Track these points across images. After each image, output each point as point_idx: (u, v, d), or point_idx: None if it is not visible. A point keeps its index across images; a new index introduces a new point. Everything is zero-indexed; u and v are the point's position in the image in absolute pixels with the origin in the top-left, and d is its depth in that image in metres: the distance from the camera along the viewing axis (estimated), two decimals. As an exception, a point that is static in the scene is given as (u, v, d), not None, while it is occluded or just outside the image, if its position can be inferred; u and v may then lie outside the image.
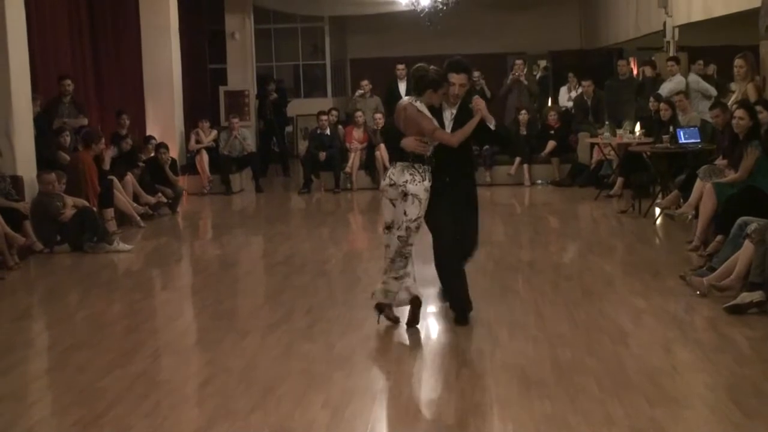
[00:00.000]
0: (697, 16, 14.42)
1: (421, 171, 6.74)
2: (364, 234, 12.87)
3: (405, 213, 6.77)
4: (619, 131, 13.91)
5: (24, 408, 5.58)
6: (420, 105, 6.80)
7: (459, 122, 6.95)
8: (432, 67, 6.97)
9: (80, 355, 6.60)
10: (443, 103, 6.97)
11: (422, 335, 6.98)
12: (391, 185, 6.81)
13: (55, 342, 7.18)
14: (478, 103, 6.99)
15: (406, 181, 6.71)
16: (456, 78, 6.90)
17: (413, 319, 6.98)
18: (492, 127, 6.94)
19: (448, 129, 6.94)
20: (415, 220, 6.77)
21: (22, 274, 9.82)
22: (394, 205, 6.83)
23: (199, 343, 7.08)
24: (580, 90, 16.74)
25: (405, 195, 6.73)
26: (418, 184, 6.71)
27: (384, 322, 7.03)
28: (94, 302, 8.54)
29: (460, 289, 7.15)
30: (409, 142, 6.76)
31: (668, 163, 12.10)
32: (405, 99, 7.11)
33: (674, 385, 5.58)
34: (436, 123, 6.80)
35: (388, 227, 6.93)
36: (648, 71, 15.10)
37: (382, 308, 7.02)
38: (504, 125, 7.19)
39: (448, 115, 6.98)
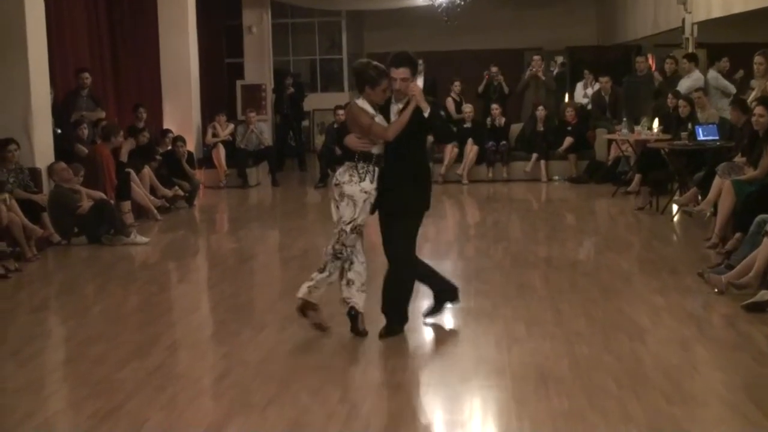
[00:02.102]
0: (717, 12, 14.35)
1: (361, 171, 6.46)
2: (378, 228, 12.84)
3: (341, 215, 6.54)
4: (637, 128, 13.85)
5: (41, 399, 5.59)
6: (362, 102, 6.53)
7: (412, 119, 6.47)
8: (373, 62, 6.66)
9: (97, 347, 6.61)
10: (392, 99, 6.56)
11: (439, 331, 6.97)
12: (335, 184, 6.58)
13: (72, 334, 7.20)
14: (413, 89, 6.45)
15: (345, 182, 6.48)
16: (396, 73, 6.42)
17: (355, 330, 6.66)
18: (426, 115, 6.38)
19: None
20: (350, 222, 6.48)
21: (40, 265, 9.85)
22: (337, 207, 6.57)
23: (215, 337, 7.08)
24: (597, 86, 16.69)
25: (342, 195, 6.49)
26: (354, 185, 6.44)
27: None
28: (111, 294, 8.56)
29: (385, 297, 6.80)
30: (350, 140, 6.53)
31: (686, 160, 12.04)
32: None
33: (692, 383, 5.55)
34: (374, 119, 6.46)
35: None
36: (668, 67, 15.02)
37: (305, 311, 6.66)
38: (441, 114, 6.73)
39: (395, 110, 6.53)
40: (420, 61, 17.31)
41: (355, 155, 6.50)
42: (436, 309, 7.08)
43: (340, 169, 6.57)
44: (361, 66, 6.66)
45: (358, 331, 6.62)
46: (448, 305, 7.16)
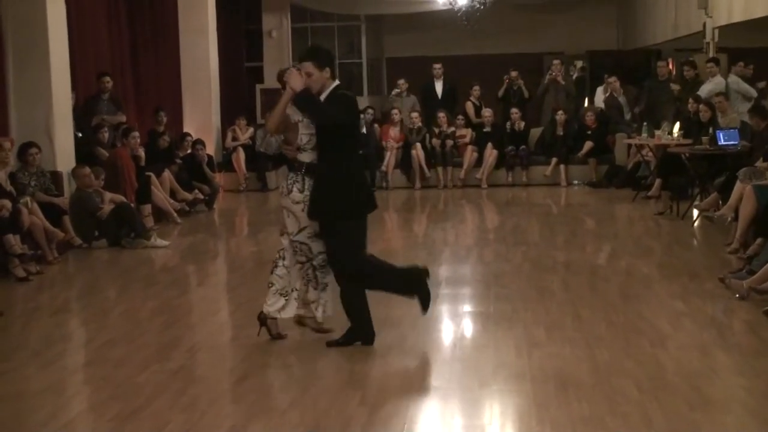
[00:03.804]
0: (738, 16, 14.29)
1: (290, 182, 6.36)
2: (399, 233, 12.85)
3: (285, 226, 6.47)
4: (658, 132, 13.81)
5: (63, 402, 5.62)
6: (289, 107, 6.30)
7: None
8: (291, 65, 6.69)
9: (118, 349, 6.64)
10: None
11: (458, 335, 6.98)
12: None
13: (93, 336, 7.23)
14: (288, 74, 6.22)
15: (281, 194, 6.47)
16: (300, 67, 6.23)
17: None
18: (296, 91, 6.11)
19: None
20: (299, 233, 6.37)
21: (61, 268, 9.90)
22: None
23: (235, 340, 7.09)
24: (609, 91, 16.66)
25: (282, 207, 6.47)
26: (285, 197, 6.38)
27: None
28: (131, 297, 8.60)
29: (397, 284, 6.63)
30: (282, 145, 6.55)
31: (707, 164, 11.99)
32: None
33: (713, 389, 5.52)
34: (300, 122, 6.25)
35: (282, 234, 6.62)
36: (687, 74, 14.97)
37: (264, 320, 6.61)
38: (309, 94, 6.14)
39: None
40: (438, 65, 17.39)
41: (289, 164, 6.43)
42: (342, 342, 6.48)
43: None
44: (280, 71, 6.82)
45: (271, 335, 6.61)
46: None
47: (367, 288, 6.46)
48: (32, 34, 11.01)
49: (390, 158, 16.47)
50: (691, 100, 13.47)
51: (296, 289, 6.58)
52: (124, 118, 13.30)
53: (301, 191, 6.31)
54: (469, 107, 17.37)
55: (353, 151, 6.51)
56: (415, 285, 6.56)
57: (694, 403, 5.19)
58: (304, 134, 6.31)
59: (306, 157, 6.33)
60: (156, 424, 5.05)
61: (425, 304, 6.58)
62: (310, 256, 6.42)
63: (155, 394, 5.57)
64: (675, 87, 15.02)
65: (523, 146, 16.46)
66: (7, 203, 9.32)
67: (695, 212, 11.79)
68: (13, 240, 9.17)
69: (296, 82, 6.14)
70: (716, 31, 15.42)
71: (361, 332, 6.47)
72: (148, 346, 6.71)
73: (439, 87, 17.51)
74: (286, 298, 6.57)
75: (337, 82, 6.35)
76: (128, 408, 5.32)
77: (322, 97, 6.23)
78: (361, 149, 16.10)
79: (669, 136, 13.63)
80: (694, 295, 7.83)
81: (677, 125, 13.79)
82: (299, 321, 6.69)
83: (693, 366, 5.93)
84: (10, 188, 9.87)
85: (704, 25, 15.66)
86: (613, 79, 16.27)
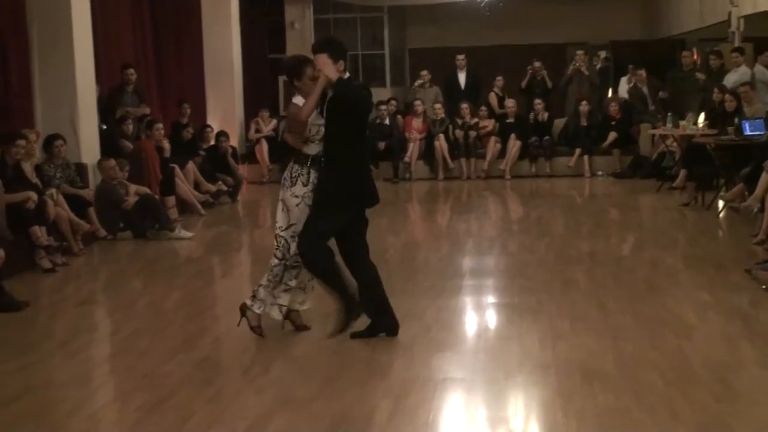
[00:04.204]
0: (764, 5, 14.17)
1: (294, 174, 6.23)
2: (422, 224, 12.86)
3: (277, 219, 6.37)
4: (682, 123, 13.72)
5: (88, 392, 5.65)
6: (296, 99, 6.24)
7: (330, 108, 6.13)
8: (297, 55, 6.54)
9: (143, 340, 6.67)
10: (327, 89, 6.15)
11: (482, 326, 6.97)
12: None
13: (119, 327, 7.27)
14: (318, 61, 6.10)
15: (281, 186, 6.33)
16: (315, 59, 6.14)
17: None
18: (333, 81, 6.05)
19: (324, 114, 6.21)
20: (286, 228, 6.27)
21: (86, 260, 9.96)
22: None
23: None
24: (633, 81, 16.57)
25: (280, 199, 6.33)
26: (286, 190, 6.25)
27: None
28: (156, 289, 8.65)
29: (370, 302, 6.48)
30: (285, 135, 6.43)
31: (732, 155, 11.91)
32: None
33: (740, 381, 5.48)
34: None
35: None
36: (713, 63, 14.86)
37: (244, 311, 6.49)
38: (349, 82, 6.18)
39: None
40: (462, 56, 17.35)
41: (293, 156, 6.31)
42: (366, 334, 6.44)
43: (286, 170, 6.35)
44: (284, 62, 6.61)
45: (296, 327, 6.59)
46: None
47: (316, 276, 6.37)
48: (56, 27, 11.06)
49: (413, 149, 16.45)
50: (716, 90, 13.38)
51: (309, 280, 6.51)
52: (148, 110, 13.35)
53: (305, 185, 6.21)
54: (493, 98, 17.33)
55: (362, 142, 6.44)
56: (381, 321, 6.47)
57: (720, 395, 5.16)
58: (314, 125, 6.20)
59: (312, 149, 6.24)
60: (181, 415, 5.07)
61: (367, 333, 6.43)
62: (286, 255, 6.31)
63: (180, 384, 5.59)
64: (700, 76, 14.91)
65: (547, 137, 16.41)
66: (33, 195, 9.37)
67: (721, 203, 11.72)
68: (39, 231, 9.22)
69: (331, 70, 6.06)
70: (741, 21, 15.31)
71: (383, 323, 6.46)
72: (173, 337, 6.73)
73: (462, 78, 17.48)
74: (305, 291, 6.56)
75: (347, 74, 6.26)
76: (153, 398, 5.34)
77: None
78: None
79: (694, 126, 13.55)
80: (719, 286, 7.78)
81: (702, 115, 13.70)
82: (287, 315, 6.61)
83: (719, 357, 5.90)
84: (35, 180, 9.93)
85: (729, 14, 15.55)
86: (641, 71, 16.16)
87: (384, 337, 6.45)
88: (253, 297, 6.44)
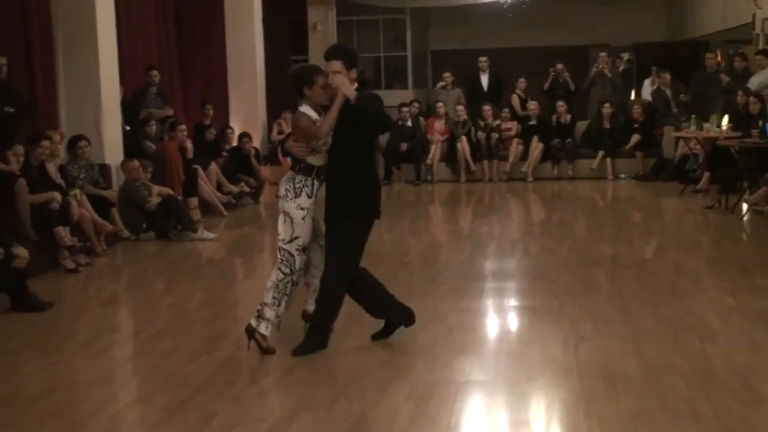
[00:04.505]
0: (789, 8, 14.09)
1: (298, 185, 6.08)
2: (444, 226, 12.85)
3: (278, 231, 6.19)
4: (706, 125, 13.65)
5: (111, 392, 5.69)
6: (304, 108, 6.14)
7: (345, 116, 5.99)
8: (306, 64, 6.45)
9: (166, 341, 6.70)
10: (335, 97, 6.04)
11: (504, 329, 6.96)
12: (276, 196, 6.34)
13: (142, 328, 7.30)
14: (335, 79, 5.97)
15: (282, 196, 6.14)
16: (328, 66, 6.03)
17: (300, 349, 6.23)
18: (352, 101, 5.92)
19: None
20: (290, 241, 6.10)
21: (110, 260, 10.02)
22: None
23: (281, 332, 7.08)
24: (657, 84, 16.50)
25: (280, 210, 6.16)
26: (290, 201, 6.08)
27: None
28: (178, 289, 8.68)
29: (379, 305, 6.50)
30: (290, 145, 6.17)
31: (757, 157, 11.84)
32: None
33: (764, 385, 5.44)
34: (316, 123, 6.06)
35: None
36: (737, 65, 14.78)
37: (253, 333, 6.23)
38: (373, 100, 6.10)
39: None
40: (484, 58, 17.34)
41: (297, 166, 6.15)
42: (385, 334, 6.49)
43: (282, 179, 6.22)
44: (292, 70, 6.42)
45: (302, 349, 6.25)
46: (401, 329, 6.52)
47: (351, 295, 6.35)
48: (81, 29, 11.15)
49: (435, 151, 16.44)
50: (740, 93, 13.30)
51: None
52: (171, 112, 13.42)
53: (310, 196, 6.10)
54: (515, 100, 17.30)
55: (372, 152, 6.44)
56: (395, 315, 6.50)
57: (744, 399, 5.13)
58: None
59: (317, 160, 6.11)
60: (204, 415, 5.09)
61: (385, 333, 6.48)
62: (293, 269, 6.16)
63: (203, 385, 5.61)
64: (725, 78, 14.82)
65: (569, 139, 16.37)
66: (57, 195, 9.44)
67: (744, 206, 11.65)
68: (63, 232, 9.28)
69: (349, 88, 5.98)
70: (766, 23, 15.20)
71: (397, 318, 6.47)
72: (195, 338, 6.75)
73: (485, 80, 17.47)
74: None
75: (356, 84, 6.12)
76: (176, 399, 5.36)
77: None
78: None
79: (718, 128, 13.48)
80: (743, 290, 7.74)
81: (726, 118, 13.62)
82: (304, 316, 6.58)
83: (743, 362, 5.86)
84: (60, 181, 9.99)
85: (754, 16, 15.45)
86: (665, 73, 16.09)
87: (405, 339, 6.45)
88: (258, 317, 6.20)
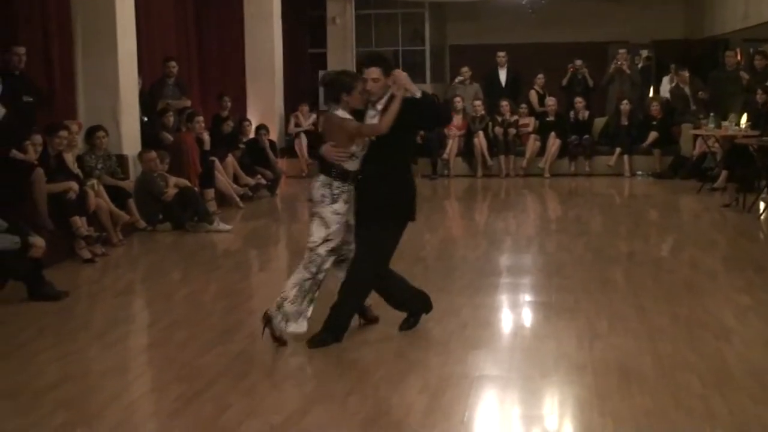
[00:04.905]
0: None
1: (336, 191, 6.12)
2: (460, 221, 12.83)
3: (310, 234, 6.22)
4: (725, 123, 13.59)
5: (126, 382, 5.71)
6: (342, 113, 6.14)
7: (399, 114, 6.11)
8: (343, 70, 6.45)
9: (181, 332, 6.71)
10: (368, 104, 6.19)
11: (519, 324, 6.95)
12: (308, 200, 6.38)
13: (157, 318, 7.32)
14: (398, 76, 6.08)
15: (317, 200, 6.16)
16: (367, 73, 6.13)
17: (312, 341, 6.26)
18: (418, 95, 6.06)
19: None
20: (321, 243, 6.15)
21: (126, 250, 10.04)
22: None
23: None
24: (675, 81, 16.43)
25: (314, 213, 6.20)
26: (326, 207, 6.12)
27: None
28: (194, 281, 8.69)
29: (402, 297, 6.59)
30: (326, 150, 6.17)
31: (775, 156, 11.79)
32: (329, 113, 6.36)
33: (779, 385, 5.43)
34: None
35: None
36: (758, 63, 14.69)
37: (270, 321, 6.24)
38: (428, 94, 6.24)
39: (372, 114, 6.16)
40: (503, 53, 17.30)
41: (332, 171, 6.15)
42: (411, 322, 6.61)
43: (315, 184, 6.22)
44: (332, 76, 6.41)
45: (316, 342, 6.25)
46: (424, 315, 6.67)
47: (361, 287, 6.38)
48: (100, 19, 11.16)
49: (452, 146, 16.43)
50: (759, 91, 13.24)
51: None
52: (188, 103, 13.42)
53: (347, 202, 6.16)
54: (533, 96, 17.26)
55: (410, 155, 6.57)
56: (414, 304, 6.61)
57: (759, 398, 5.11)
58: (361, 141, 6.14)
59: (353, 165, 6.16)
60: (218, 407, 5.10)
61: (409, 324, 6.58)
62: (320, 270, 6.21)
63: (217, 376, 5.62)
64: (744, 76, 14.75)
65: (587, 136, 16.32)
66: (74, 185, 9.47)
67: (762, 205, 11.60)
68: (80, 222, 9.32)
69: (412, 84, 6.08)
70: (787, 21, 15.13)
71: (419, 306, 6.58)
72: (211, 329, 6.76)
73: (503, 75, 17.43)
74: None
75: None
76: (191, 390, 5.37)
77: (381, 103, 6.13)
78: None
79: (736, 127, 13.42)
80: (760, 289, 7.71)
81: (745, 116, 13.56)
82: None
83: (758, 361, 5.83)
84: (77, 171, 10.02)
85: (775, 14, 15.37)
86: (684, 72, 16.02)
87: (420, 333, 6.46)
88: (279, 309, 6.23)
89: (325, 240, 6.16)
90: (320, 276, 6.25)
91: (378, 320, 6.65)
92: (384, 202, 6.19)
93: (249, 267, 9.76)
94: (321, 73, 6.65)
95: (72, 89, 11.22)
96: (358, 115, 6.17)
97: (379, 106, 6.13)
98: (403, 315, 6.61)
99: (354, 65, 19.74)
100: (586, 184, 15.30)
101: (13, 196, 8.89)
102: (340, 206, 6.14)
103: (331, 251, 6.21)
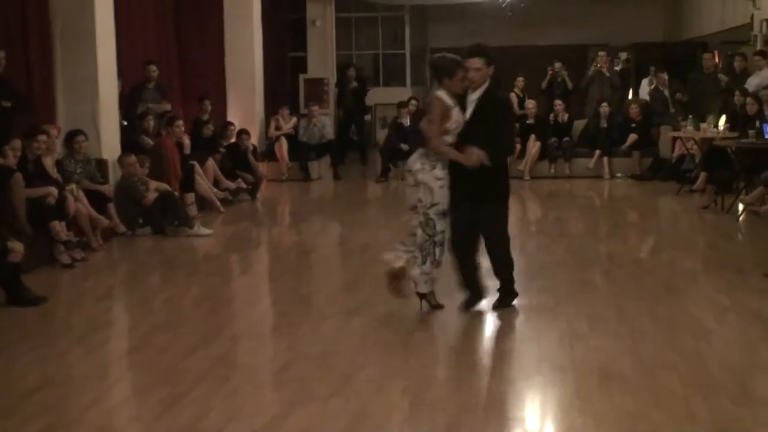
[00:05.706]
0: (788, 9, 14.10)
1: (432, 159, 6.82)
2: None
3: (419, 200, 6.92)
4: (703, 125, 13.66)
5: (107, 386, 5.69)
6: (442, 93, 6.83)
7: (480, 110, 6.87)
8: (449, 55, 7.05)
9: (161, 336, 6.69)
10: (469, 89, 6.93)
11: (501, 326, 6.96)
12: (407, 171, 7.08)
13: (137, 323, 7.30)
14: (470, 155, 6.76)
15: (417, 169, 6.86)
16: (469, 63, 6.86)
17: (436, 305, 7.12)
18: (488, 164, 6.78)
19: (468, 114, 6.88)
20: (432, 206, 6.84)
21: (106, 255, 9.99)
22: (416, 190, 7.02)
23: (277, 328, 7.13)
24: (655, 83, 16.50)
25: (417, 182, 6.90)
26: (427, 173, 6.82)
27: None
28: (174, 285, 8.67)
29: (467, 277, 7.19)
30: (423, 124, 7.03)
31: (753, 158, 11.85)
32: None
33: (759, 385, 5.47)
34: (452, 110, 6.78)
35: (412, 207, 7.26)
36: (737, 65, 14.77)
37: (424, 296, 7.06)
38: (497, 146, 6.92)
39: (472, 99, 6.90)
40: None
41: (424, 143, 6.87)
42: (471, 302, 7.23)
43: (413, 156, 6.95)
44: (437, 59, 7.07)
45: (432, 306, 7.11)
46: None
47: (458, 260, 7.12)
48: (79, 23, 11.10)
49: (432, 149, 16.41)
50: (738, 93, 13.31)
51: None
52: (169, 107, 13.38)
53: (443, 169, 6.79)
54: (513, 99, 17.28)
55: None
56: (467, 289, 7.23)
57: (738, 398, 5.15)
58: (455, 121, 6.77)
59: (450, 138, 6.79)
60: (199, 411, 5.09)
61: (468, 305, 7.18)
62: (434, 232, 6.85)
63: (198, 380, 5.60)
64: (723, 78, 14.83)
65: (567, 138, 16.35)
66: (54, 190, 9.42)
67: (740, 206, 11.66)
68: (59, 227, 9.26)
69: (476, 160, 6.72)
70: (764, 24, 15.21)
71: (476, 293, 7.18)
72: (191, 333, 6.75)
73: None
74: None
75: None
76: (172, 394, 5.35)
77: (477, 94, 6.84)
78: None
79: (715, 129, 13.49)
80: (738, 289, 7.75)
81: (723, 118, 13.63)
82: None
83: (737, 361, 5.88)
84: (56, 175, 9.97)
85: (752, 17, 15.46)
86: (663, 73, 16.10)
87: (402, 335, 6.49)
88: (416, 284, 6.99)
89: (433, 203, 6.82)
90: (437, 238, 6.88)
91: (443, 307, 7.10)
92: (493, 184, 7.01)
93: (229, 271, 9.74)
94: (434, 55, 7.41)
95: (51, 93, 11.16)
96: (460, 98, 6.83)
97: (475, 96, 6.83)
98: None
99: (334, 69, 19.77)
100: (566, 186, 15.34)
101: (-9, 201, 8.85)
102: (438, 171, 6.80)
103: (441, 215, 6.85)
